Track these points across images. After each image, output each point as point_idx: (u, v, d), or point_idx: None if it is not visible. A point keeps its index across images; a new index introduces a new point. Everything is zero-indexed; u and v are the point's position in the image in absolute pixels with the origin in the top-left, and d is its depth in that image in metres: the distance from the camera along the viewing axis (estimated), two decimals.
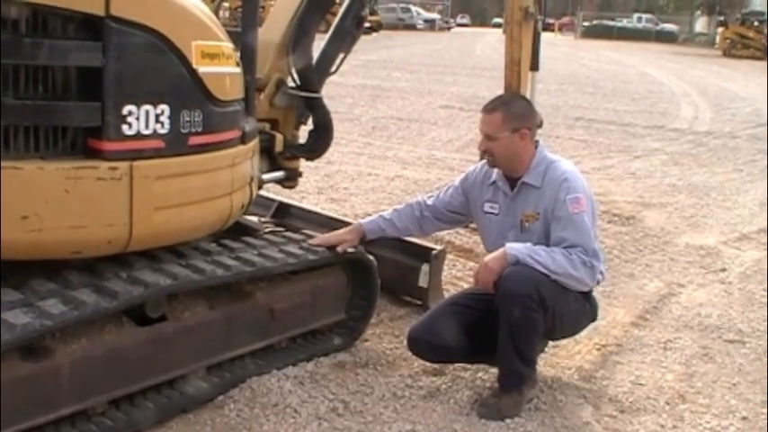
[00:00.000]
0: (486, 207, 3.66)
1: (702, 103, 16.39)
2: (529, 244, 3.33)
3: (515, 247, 3.30)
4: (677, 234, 6.68)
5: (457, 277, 5.09)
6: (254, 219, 4.40)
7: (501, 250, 3.32)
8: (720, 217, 7.39)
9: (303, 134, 4.37)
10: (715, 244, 6.43)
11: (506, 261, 3.27)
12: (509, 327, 3.26)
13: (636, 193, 8.11)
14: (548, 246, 3.35)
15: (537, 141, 3.55)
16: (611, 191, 8.10)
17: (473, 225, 4.22)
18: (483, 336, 3.44)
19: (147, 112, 2.75)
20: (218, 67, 3.01)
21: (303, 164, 4.43)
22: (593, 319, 3.66)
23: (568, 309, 3.40)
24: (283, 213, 5.00)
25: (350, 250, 3.74)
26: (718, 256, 6.11)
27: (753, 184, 9.01)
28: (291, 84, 4.11)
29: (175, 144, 2.86)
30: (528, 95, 5.78)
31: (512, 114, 3.47)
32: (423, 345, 3.54)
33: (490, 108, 3.51)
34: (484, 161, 3.69)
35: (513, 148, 3.46)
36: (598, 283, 3.51)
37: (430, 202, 3.84)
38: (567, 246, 3.30)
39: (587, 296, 3.53)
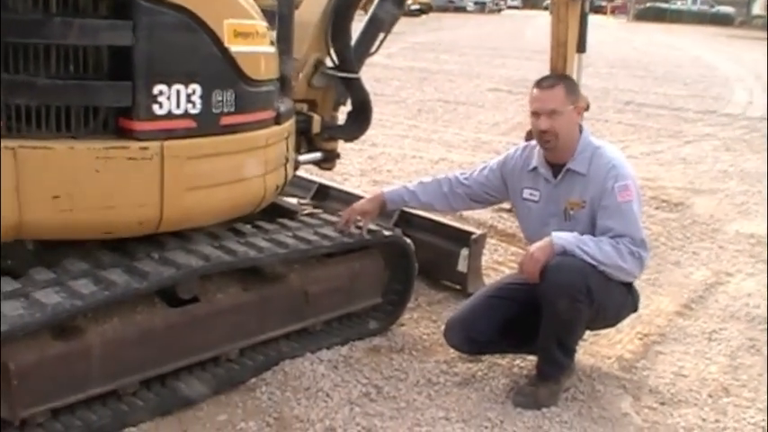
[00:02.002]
0: (526, 194, 3.55)
1: (757, 88, 15.95)
2: (576, 233, 3.23)
3: (563, 237, 3.20)
4: (727, 221, 6.50)
5: (498, 262, 5.01)
6: (293, 200, 4.38)
7: (547, 239, 3.22)
8: None
9: (342, 115, 4.33)
10: (765, 232, 6.24)
11: (553, 251, 3.18)
12: (553, 317, 3.19)
13: (686, 179, 7.91)
14: (593, 234, 3.26)
15: (581, 125, 3.44)
16: (661, 176, 7.92)
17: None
18: (522, 327, 3.38)
19: (179, 92, 2.72)
20: (252, 47, 2.96)
21: (346, 145, 4.40)
22: (635, 309, 3.57)
23: (613, 300, 3.32)
24: (323, 195, 4.98)
25: (386, 233, 3.69)
26: None
27: None
28: (330, 64, 4.06)
29: (207, 124, 2.83)
30: (574, 78, 5.65)
31: (571, 87, 3.42)
32: (460, 337, 3.48)
33: (549, 84, 3.39)
34: (523, 145, 3.59)
35: (573, 124, 3.39)
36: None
37: (464, 179, 3.74)
38: (614, 235, 3.20)
39: (630, 287, 3.44)
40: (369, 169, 7.33)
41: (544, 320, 3.23)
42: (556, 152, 3.43)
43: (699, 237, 6.02)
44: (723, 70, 19.04)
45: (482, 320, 3.44)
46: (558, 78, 3.46)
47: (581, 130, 3.43)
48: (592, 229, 3.30)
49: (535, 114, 3.37)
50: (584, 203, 3.34)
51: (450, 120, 10.52)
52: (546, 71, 5.84)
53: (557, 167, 3.44)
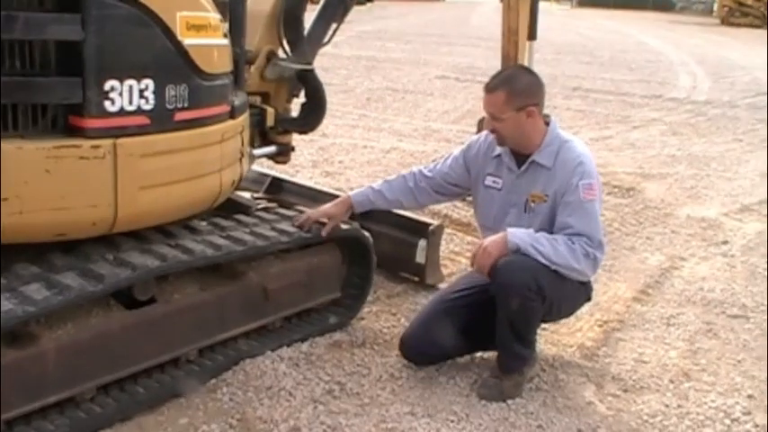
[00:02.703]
0: (488, 181, 3.51)
1: (701, 72, 16.21)
2: (531, 230, 3.21)
3: (517, 235, 3.17)
4: (678, 206, 6.58)
5: (455, 252, 4.99)
6: (247, 195, 4.30)
7: (502, 235, 3.19)
8: (721, 188, 7.28)
9: (295, 107, 4.26)
10: (716, 216, 6.33)
11: (506, 248, 3.15)
12: (507, 316, 3.18)
13: (635, 164, 7.99)
14: (551, 229, 3.24)
15: (548, 117, 3.39)
16: (611, 162, 7.98)
17: (470, 198, 4.10)
18: (478, 327, 3.37)
19: (131, 88, 2.63)
20: (205, 39, 2.88)
21: (296, 137, 4.32)
22: (589, 299, 3.56)
23: (566, 294, 3.31)
24: (277, 188, 4.89)
25: (344, 227, 3.63)
26: (719, 228, 6.01)
27: (753, 154, 8.89)
28: (283, 55, 3.98)
29: (161, 120, 2.74)
30: (526, 65, 5.66)
31: (515, 92, 3.26)
32: (417, 354, 3.45)
33: (492, 86, 3.31)
34: (486, 132, 3.55)
35: (521, 127, 3.28)
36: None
37: (428, 172, 3.68)
38: (572, 233, 3.18)
39: None
40: (320, 160, 7.25)
41: (499, 318, 3.22)
42: (513, 147, 3.40)
43: (651, 222, 6.08)
44: (667, 55, 19.30)
45: (435, 332, 3.40)
46: (503, 81, 3.30)
47: (548, 123, 3.37)
48: (550, 223, 3.27)
49: (485, 112, 3.37)
50: (547, 197, 3.30)
51: (399, 108, 10.47)
52: (493, 58, 5.84)
53: (521, 158, 3.39)
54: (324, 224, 3.54)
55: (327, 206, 3.63)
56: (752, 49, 21.50)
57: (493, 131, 3.36)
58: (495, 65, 5.38)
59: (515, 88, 3.28)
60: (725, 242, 5.67)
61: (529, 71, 3.52)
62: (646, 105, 11.89)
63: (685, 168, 7.96)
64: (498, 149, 3.47)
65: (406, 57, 15.99)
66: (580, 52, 18.45)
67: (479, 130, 5.44)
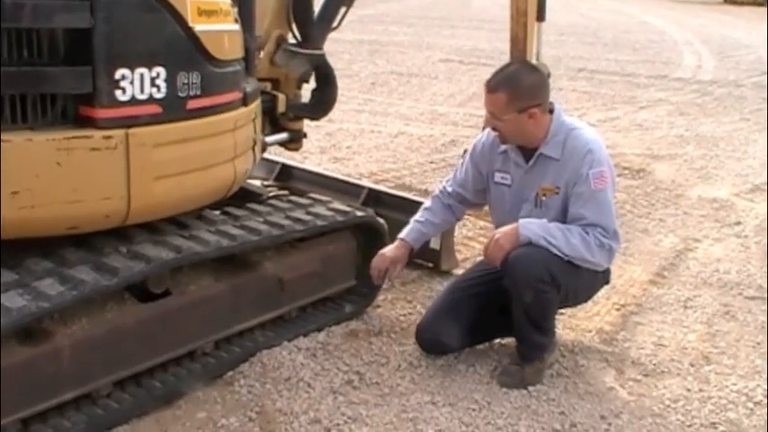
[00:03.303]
0: (497, 177, 3.40)
1: (705, 52, 16.06)
2: (544, 221, 3.13)
3: (529, 228, 3.09)
4: (689, 187, 6.52)
5: (468, 237, 4.93)
6: (257, 183, 4.25)
7: (514, 227, 3.12)
8: (731, 168, 7.21)
9: (306, 93, 4.19)
10: (728, 196, 6.27)
11: (518, 240, 3.09)
12: (523, 308, 3.13)
13: (644, 145, 7.92)
14: (565, 221, 3.17)
15: (552, 104, 3.27)
16: (619, 143, 7.91)
17: None
18: (496, 315, 3.33)
19: (142, 76, 2.56)
20: (216, 25, 2.81)
21: (304, 123, 4.25)
22: (607, 282, 3.48)
23: (582, 281, 3.24)
24: (287, 176, 4.84)
25: (359, 214, 3.56)
26: (731, 208, 5.95)
27: (761, 133, 8.80)
28: (292, 40, 3.91)
29: (173, 109, 2.67)
30: (534, 47, 5.56)
31: (517, 93, 3.14)
32: (433, 344, 3.38)
33: (493, 86, 3.18)
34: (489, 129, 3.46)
35: (522, 128, 3.18)
36: None
37: (449, 188, 3.55)
38: (586, 224, 3.11)
39: None
40: (328, 146, 7.19)
41: (515, 310, 3.17)
42: (518, 144, 3.31)
43: (663, 203, 6.03)
44: (670, 35, 19.13)
45: (449, 322, 3.34)
46: (505, 81, 3.17)
47: (552, 111, 3.26)
48: (563, 216, 3.20)
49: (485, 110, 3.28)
50: (558, 189, 3.21)
51: (404, 92, 10.39)
52: (497, 40, 5.78)
53: (528, 151, 3.29)
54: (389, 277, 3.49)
55: (389, 253, 3.45)
56: (755, 27, 21.30)
57: (494, 130, 3.28)
58: (498, 47, 5.33)
59: (517, 89, 3.16)
60: (738, 223, 5.60)
61: (532, 69, 3.37)
62: (651, 86, 11.79)
63: (694, 149, 7.89)
64: (504, 145, 3.37)
65: (409, 40, 15.86)
66: (583, 33, 18.28)
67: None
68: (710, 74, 13.23)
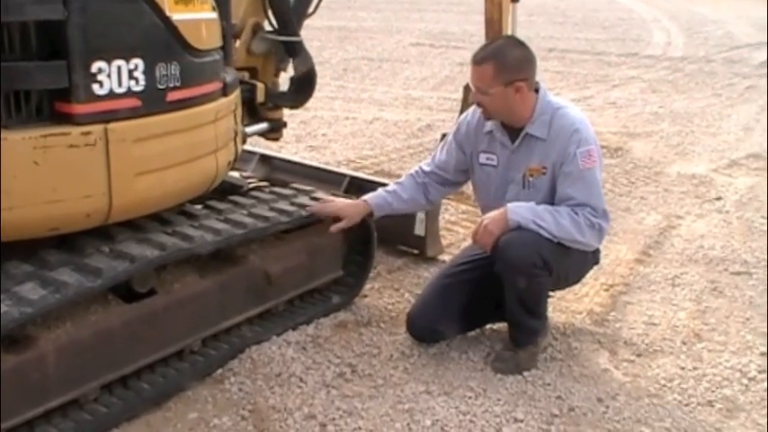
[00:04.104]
0: (483, 158, 3.35)
1: (674, 28, 16.16)
2: (532, 204, 3.08)
3: (518, 212, 3.05)
4: (667, 164, 6.53)
5: (451, 222, 4.88)
6: (236, 174, 4.15)
7: (502, 211, 3.07)
8: (707, 144, 7.25)
9: (283, 82, 4.10)
10: (706, 172, 6.30)
11: (507, 225, 3.04)
12: (515, 294, 3.09)
13: (619, 124, 7.94)
14: (553, 202, 3.13)
15: (537, 84, 3.23)
16: (595, 122, 7.80)
17: None
18: (487, 301, 3.28)
19: (119, 68, 2.46)
20: (194, 14, 2.72)
21: (283, 112, 4.16)
22: (597, 262, 3.45)
23: (572, 263, 3.21)
24: (266, 166, 4.75)
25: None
26: (711, 184, 5.97)
27: (734, 108, 8.87)
28: (269, 28, 3.81)
29: (153, 101, 2.58)
30: (509, 28, 5.54)
31: (504, 66, 3.10)
32: (425, 332, 3.33)
33: (480, 59, 3.15)
34: (474, 107, 3.40)
35: (508, 102, 3.14)
36: None
37: (426, 167, 3.51)
38: (574, 204, 3.06)
39: None
40: (303, 134, 7.11)
41: (507, 296, 3.13)
42: (500, 121, 3.26)
43: (643, 181, 6.03)
44: (639, 12, 19.22)
45: (440, 309, 3.29)
46: (492, 54, 3.14)
47: (537, 90, 3.22)
48: (552, 197, 3.15)
49: (471, 85, 3.23)
50: (545, 170, 3.17)
51: (377, 78, 10.32)
52: (465, 22, 5.74)
53: (514, 132, 3.24)
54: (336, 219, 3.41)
55: (344, 204, 3.44)
56: (721, 2, 21.46)
57: (479, 105, 3.23)
58: (468, 29, 5.29)
59: (504, 62, 3.12)
60: (718, 198, 5.63)
61: (520, 43, 3.33)
62: (623, 64, 11.83)
63: (669, 125, 7.92)
64: (489, 125, 3.32)
65: (377, 25, 15.80)
66: (552, 13, 18.31)
67: (465, 96, 5.31)
68: (680, 50, 13.31)
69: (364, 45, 13.06)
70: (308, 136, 7.07)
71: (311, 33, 13.12)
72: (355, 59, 11.54)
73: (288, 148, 6.39)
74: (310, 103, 7.95)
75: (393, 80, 10.16)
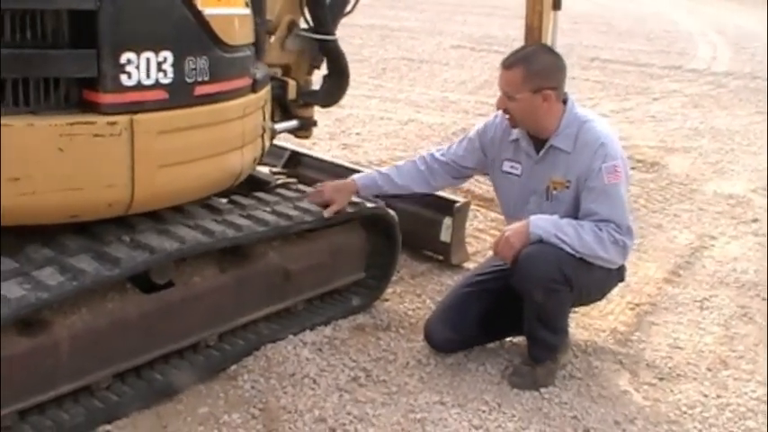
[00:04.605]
0: (506, 166, 3.32)
1: (720, 43, 15.89)
2: (555, 217, 3.04)
3: (540, 225, 3.00)
4: (704, 181, 6.41)
5: (479, 229, 4.83)
6: (265, 170, 4.14)
7: (524, 224, 3.03)
8: (747, 163, 7.10)
9: (317, 80, 4.09)
10: (744, 192, 6.16)
11: (529, 238, 2.99)
12: (533, 307, 3.04)
13: (657, 138, 7.81)
14: (576, 216, 3.08)
15: (566, 95, 3.19)
16: (633, 135, 7.79)
17: None
18: (508, 313, 3.22)
19: (148, 60, 2.45)
20: (226, 9, 2.71)
21: (314, 110, 4.14)
22: (621, 280, 3.38)
23: (594, 279, 3.14)
24: (295, 163, 4.74)
25: (369, 205, 3.47)
26: (748, 205, 5.84)
27: None
28: (304, 25, 3.80)
29: (180, 95, 2.57)
30: (549, 36, 5.45)
31: (534, 72, 3.07)
32: (442, 342, 3.30)
33: (509, 63, 3.12)
34: (501, 113, 3.35)
35: (535, 110, 3.10)
36: None
37: (440, 156, 3.49)
38: (598, 220, 3.01)
39: None
40: (337, 132, 7.09)
41: (525, 309, 3.08)
42: (525, 130, 3.22)
43: (678, 198, 5.92)
44: (685, 25, 18.95)
45: (459, 318, 3.25)
46: (523, 58, 3.11)
47: (565, 102, 3.18)
48: (575, 210, 3.11)
49: (499, 89, 3.19)
50: (569, 183, 3.12)
51: (415, 78, 10.27)
52: (509, 27, 5.67)
53: (539, 142, 3.21)
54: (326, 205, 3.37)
55: (331, 189, 3.41)
56: None
57: (505, 111, 3.18)
58: (510, 34, 5.22)
59: (534, 68, 3.09)
60: (755, 220, 5.50)
61: (550, 51, 3.31)
62: (665, 76, 11.65)
63: (709, 142, 7.77)
64: (515, 133, 3.28)
65: (420, 26, 15.73)
66: (597, 22, 18.11)
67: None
68: (725, 65, 13.08)
69: (405, 45, 13.00)
70: (341, 134, 7.04)
71: (353, 31, 13.15)
72: (395, 59, 11.49)
73: (321, 146, 6.37)
74: (346, 101, 7.94)
75: (431, 82, 10.10)
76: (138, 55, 2.44)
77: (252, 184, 3.49)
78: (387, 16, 16.50)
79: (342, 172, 4.53)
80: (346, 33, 11.98)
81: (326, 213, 3.30)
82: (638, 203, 5.59)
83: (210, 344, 3.02)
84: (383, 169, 3.56)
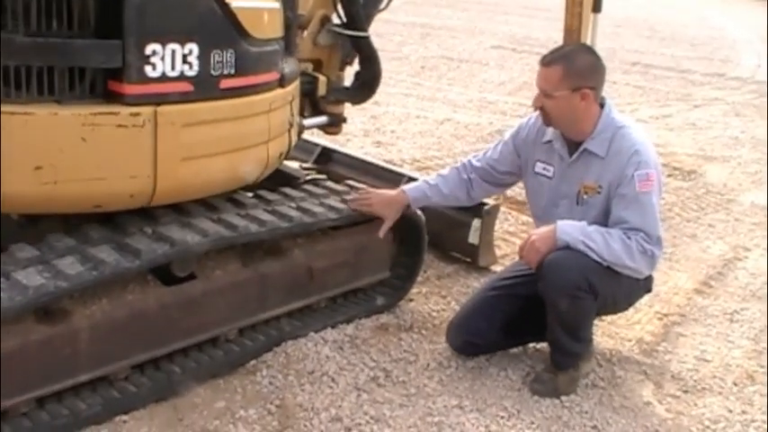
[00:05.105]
0: (539, 167, 3.28)
1: (765, 51, 15.62)
2: (583, 224, 2.99)
3: (567, 231, 2.95)
4: (741, 191, 6.28)
5: (509, 232, 4.78)
6: (295, 165, 4.14)
7: (551, 229, 2.98)
8: None
9: (349, 76, 4.07)
10: None
11: (555, 244, 2.95)
12: (557, 315, 2.99)
13: (696, 146, 7.67)
14: (606, 223, 3.02)
15: (603, 99, 3.15)
16: (671, 142, 7.67)
17: None
18: (532, 318, 3.16)
19: (174, 52, 2.46)
20: (254, 2, 2.71)
21: (348, 105, 4.13)
22: (648, 290, 3.32)
23: (621, 289, 3.09)
24: (326, 159, 4.73)
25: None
26: None
27: None
28: (337, 21, 3.78)
29: (205, 87, 2.58)
30: (589, 39, 5.36)
31: (573, 70, 3.03)
32: (463, 344, 3.26)
33: (549, 60, 3.08)
34: (537, 113, 3.31)
35: (572, 109, 3.06)
36: None
37: (476, 162, 3.45)
38: (628, 228, 2.95)
39: None
40: (372, 129, 7.07)
41: (549, 316, 3.03)
42: (561, 130, 3.17)
43: (714, 208, 5.81)
44: (730, 32, 18.66)
45: (483, 321, 3.21)
46: (563, 56, 3.07)
47: (603, 105, 3.13)
48: (605, 217, 3.05)
49: (537, 87, 3.14)
50: (600, 188, 3.07)
51: (454, 78, 10.21)
52: (551, 29, 5.60)
53: (573, 145, 3.16)
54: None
55: (380, 203, 3.37)
56: None
57: (541, 110, 3.13)
58: (552, 36, 5.14)
59: (574, 66, 3.05)
60: None
61: (591, 51, 3.26)
62: (707, 83, 11.47)
63: (748, 152, 7.62)
64: (549, 135, 3.24)
65: (461, 24, 15.66)
66: (640, 26, 17.90)
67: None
68: None
69: (445, 44, 12.95)
70: (376, 131, 7.02)
71: (393, 28, 13.15)
72: (434, 58, 11.44)
73: (354, 142, 6.36)
74: (383, 99, 7.94)
75: (470, 82, 10.04)
76: (164, 46, 2.44)
77: (280, 179, 3.48)
78: (429, 14, 16.47)
79: (372, 169, 4.53)
80: (387, 30, 12.04)
81: (381, 233, 3.32)
82: (672, 212, 5.50)
83: (230, 338, 3.02)
84: (430, 180, 3.51)
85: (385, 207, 3.36)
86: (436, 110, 8.19)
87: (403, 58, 10.76)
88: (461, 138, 7.11)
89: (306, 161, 4.62)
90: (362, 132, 6.84)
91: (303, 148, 4.68)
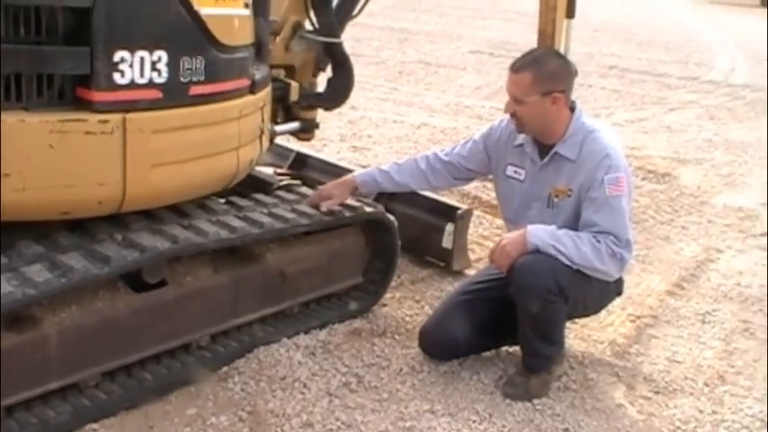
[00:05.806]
0: (510, 171, 3.31)
1: (740, 55, 15.75)
2: (553, 228, 3.01)
3: (537, 235, 2.98)
4: (714, 194, 6.34)
5: (483, 236, 4.79)
6: (269, 170, 4.14)
7: (521, 233, 3.01)
8: (759, 176, 7.01)
9: (321, 82, 4.08)
10: (754, 206, 6.08)
11: (526, 248, 2.98)
12: (528, 318, 3.01)
13: (671, 149, 7.73)
14: (576, 226, 3.05)
15: (574, 103, 3.18)
16: (646, 145, 7.73)
17: None
18: (504, 322, 3.19)
19: (143, 59, 2.46)
20: (224, 9, 2.71)
21: (323, 111, 4.13)
22: (619, 293, 3.35)
23: (591, 292, 3.12)
24: (301, 164, 4.73)
25: (368, 209, 3.45)
26: (757, 219, 5.77)
27: None
28: (309, 27, 3.79)
29: (174, 94, 2.57)
30: (562, 44, 5.41)
31: (543, 75, 3.06)
32: (436, 349, 3.28)
33: (518, 66, 3.11)
34: (508, 117, 3.33)
35: (544, 113, 3.09)
36: None
37: (444, 156, 3.47)
38: (597, 231, 2.98)
39: None
40: (348, 134, 7.07)
41: (520, 319, 3.05)
42: (532, 135, 3.20)
43: (687, 210, 5.86)
44: (705, 36, 18.82)
45: (455, 325, 3.23)
46: (532, 61, 3.10)
47: (573, 109, 3.17)
48: (576, 219, 3.08)
49: (507, 93, 3.16)
50: (571, 192, 3.11)
51: (431, 83, 10.23)
52: (529, 34, 5.63)
53: (544, 148, 3.19)
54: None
55: (329, 186, 3.43)
56: None
57: (513, 115, 3.16)
58: (531, 41, 5.16)
59: (543, 71, 3.08)
60: (763, 234, 5.43)
61: (559, 55, 3.31)
62: (682, 87, 11.56)
63: (722, 154, 7.70)
64: (520, 138, 3.27)
65: (439, 29, 15.68)
66: (617, 30, 18.00)
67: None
68: (744, 77, 12.95)
69: (423, 49, 12.96)
70: (353, 136, 7.03)
71: (371, 33, 13.15)
72: (412, 63, 11.46)
73: (331, 147, 6.37)
74: (360, 103, 7.95)
75: (447, 86, 10.06)
76: (132, 53, 2.44)
77: (253, 185, 3.48)
78: (407, 19, 16.50)
79: (344, 174, 4.52)
80: (365, 35, 12.05)
81: (324, 207, 3.30)
82: (646, 214, 5.55)
83: (203, 345, 3.01)
84: (383, 166, 3.54)
85: (333, 188, 3.40)
86: (413, 114, 8.21)
87: (380, 63, 10.76)
88: (438, 142, 7.12)
89: (281, 166, 4.62)
90: (339, 137, 6.85)
91: (278, 153, 4.69)
